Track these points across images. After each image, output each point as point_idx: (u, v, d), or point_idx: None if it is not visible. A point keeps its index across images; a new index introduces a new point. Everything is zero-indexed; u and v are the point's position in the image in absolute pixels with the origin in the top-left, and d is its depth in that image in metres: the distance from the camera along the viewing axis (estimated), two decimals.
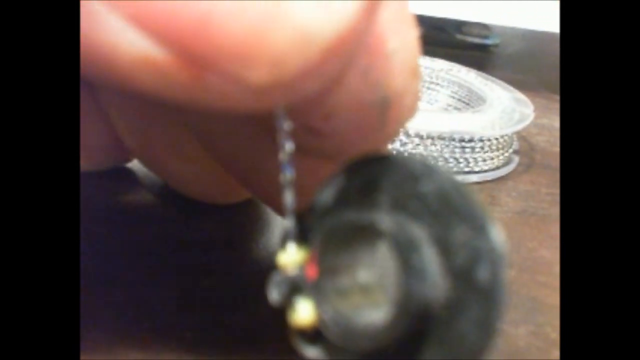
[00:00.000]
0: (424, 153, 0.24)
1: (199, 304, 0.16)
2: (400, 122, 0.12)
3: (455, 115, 0.26)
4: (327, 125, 0.12)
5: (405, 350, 0.10)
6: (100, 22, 0.09)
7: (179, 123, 0.17)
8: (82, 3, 0.09)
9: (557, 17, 0.39)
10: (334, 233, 0.11)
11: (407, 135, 0.24)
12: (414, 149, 0.24)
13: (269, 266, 0.18)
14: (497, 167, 0.26)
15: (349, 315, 0.10)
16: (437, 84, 0.31)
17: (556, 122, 0.33)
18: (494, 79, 0.31)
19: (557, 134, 0.32)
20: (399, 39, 0.11)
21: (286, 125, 0.11)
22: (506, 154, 0.26)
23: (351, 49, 0.10)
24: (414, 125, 0.24)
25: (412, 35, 0.12)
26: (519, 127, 0.25)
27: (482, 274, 0.09)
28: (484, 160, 0.25)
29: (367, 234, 0.10)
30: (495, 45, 0.47)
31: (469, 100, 0.30)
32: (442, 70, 0.31)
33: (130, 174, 0.22)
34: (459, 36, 0.46)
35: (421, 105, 0.19)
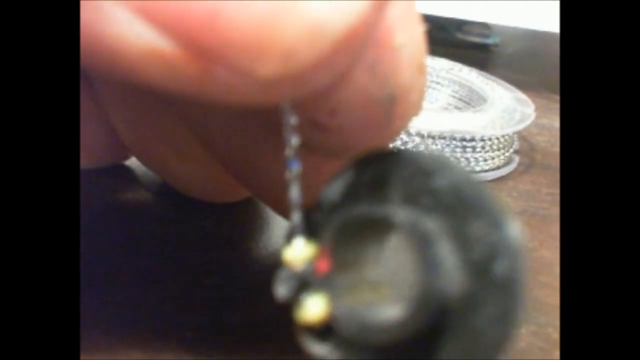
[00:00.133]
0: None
1: (199, 304, 0.16)
2: (406, 119, 0.12)
3: (456, 115, 0.26)
4: (333, 121, 0.11)
5: (421, 346, 0.10)
6: (106, 14, 0.09)
7: (178, 121, 0.17)
8: None
9: (557, 17, 0.39)
10: (345, 227, 0.11)
11: (408, 134, 0.24)
12: (415, 148, 0.24)
13: (269, 265, 0.18)
14: (498, 167, 0.26)
15: (362, 310, 0.10)
16: (438, 83, 0.31)
17: (557, 122, 0.33)
18: (495, 78, 0.30)
19: (558, 134, 0.32)
20: (407, 33, 0.11)
21: (292, 119, 0.11)
22: (507, 154, 0.26)
23: (361, 42, 0.10)
24: (415, 124, 0.24)
25: (419, 30, 0.12)
26: (520, 126, 0.25)
27: (500, 269, 0.09)
28: (485, 160, 0.25)
29: (379, 228, 0.10)
30: (496, 45, 0.47)
31: (470, 100, 0.29)
32: (442, 70, 0.31)
33: (128, 171, 0.21)
34: (460, 35, 0.46)
35: None
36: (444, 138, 0.24)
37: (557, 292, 0.18)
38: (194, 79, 0.09)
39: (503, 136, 0.25)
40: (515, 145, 0.28)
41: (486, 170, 0.25)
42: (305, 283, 0.11)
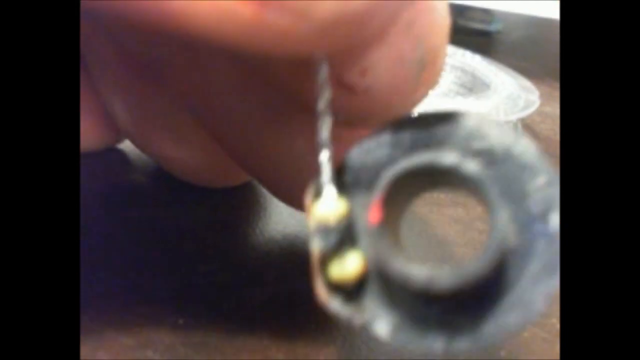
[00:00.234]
0: None
1: (194, 289, 0.15)
2: (429, 87, 0.13)
3: (459, 101, 0.25)
4: (362, 81, 0.11)
5: (472, 302, 0.10)
6: None
7: (176, 104, 0.17)
8: None
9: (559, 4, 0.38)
10: (403, 179, 0.10)
11: None
12: None
13: (266, 251, 0.18)
14: None
15: (409, 265, 0.10)
16: None
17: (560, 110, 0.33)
18: (498, 64, 0.30)
19: None
20: None
21: (324, 71, 0.11)
22: None
23: None
24: (417, 109, 0.23)
25: None
26: (525, 113, 0.25)
27: (554, 220, 0.10)
28: None
29: (434, 180, 0.11)
30: (498, 32, 0.46)
31: (473, 86, 0.29)
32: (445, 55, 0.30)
33: (122, 156, 0.21)
34: (462, 22, 0.45)
35: None
36: None
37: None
38: (247, 24, 0.09)
39: (507, 123, 0.25)
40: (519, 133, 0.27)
41: None
42: (344, 238, 0.10)
